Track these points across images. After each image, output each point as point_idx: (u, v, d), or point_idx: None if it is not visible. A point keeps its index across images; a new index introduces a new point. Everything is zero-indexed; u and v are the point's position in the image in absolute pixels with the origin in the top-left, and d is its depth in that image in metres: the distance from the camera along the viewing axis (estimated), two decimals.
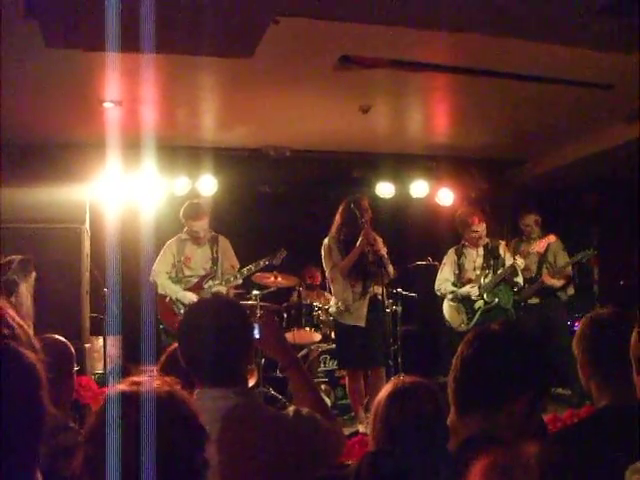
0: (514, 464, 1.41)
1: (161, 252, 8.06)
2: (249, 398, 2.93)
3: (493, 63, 6.72)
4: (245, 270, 8.12)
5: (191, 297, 7.80)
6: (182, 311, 7.76)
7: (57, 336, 3.80)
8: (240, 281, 8.25)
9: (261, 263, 8.21)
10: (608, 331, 2.95)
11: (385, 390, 3.08)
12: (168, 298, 7.93)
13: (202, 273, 8.07)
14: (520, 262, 8.06)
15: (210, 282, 7.98)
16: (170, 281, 7.98)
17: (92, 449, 1.80)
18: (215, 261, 8.14)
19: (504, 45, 6.14)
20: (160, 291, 7.96)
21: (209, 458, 1.89)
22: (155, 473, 1.74)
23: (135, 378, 1.93)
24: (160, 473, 1.75)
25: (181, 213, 8.04)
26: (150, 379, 1.93)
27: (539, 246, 8.52)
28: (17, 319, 1.54)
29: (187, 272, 8.06)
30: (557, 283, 8.77)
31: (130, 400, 1.82)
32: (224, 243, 8.23)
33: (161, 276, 7.99)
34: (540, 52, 6.30)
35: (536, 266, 8.88)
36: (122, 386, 1.89)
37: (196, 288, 7.95)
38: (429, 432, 2.77)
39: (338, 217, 7.55)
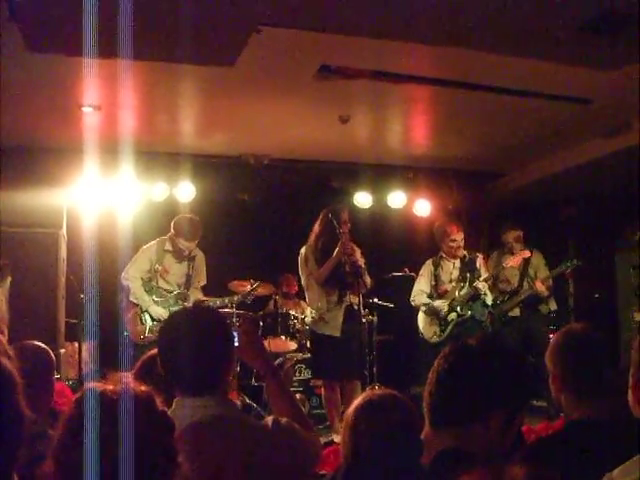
0: None
1: (137, 255, 7.92)
2: (229, 408, 2.92)
3: (473, 76, 6.76)
4: (212, 301, 8.02)
5: (162, 312, 7.71)
6: (148, 323, 7.73)
7: (37, 343, 3.78)
8: (198, 297, 8.10)
9: (227, 300, 8.12)
10: (580, 346, 3.00)
11: (356, 401, 3.09)
12: (137, 307, 7.86)
13: (175, 288, 7.95)
14: (482, 285, 8.07)
15: (180, 302, 7.86)
16: (143, 289, 7.89)
17: (62, 449, 1.79)
18: (189, 278, 8.05)
19: (484, 59, 6.18)
20: (132, 298, 7.84)
21: (185, 467, 1.89)
22: (130, 472, 1.74)
23: (109, 379, 1.92)
24: (134, 472, 1.74)
25: (174, 226, 7.91)
26: (123, 380, 1.92)
27: (513, 261, 8.58)
28: None
29: (162, 284, 7.93)
30: (545, 292, 8.81)
31: (101, 398, 1.81)
32: (200, 259, 8.13)
33: (135, 282, 7.85)
34: (520, 66, 6.35)
35: (517, 279, 8.92)
36: (93, 385, 1.88)
37: (168, 305, 7.88)
38: (399, 444, 2.77)
39: (316, 227, 7.54)
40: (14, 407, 1.54)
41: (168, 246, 7.96)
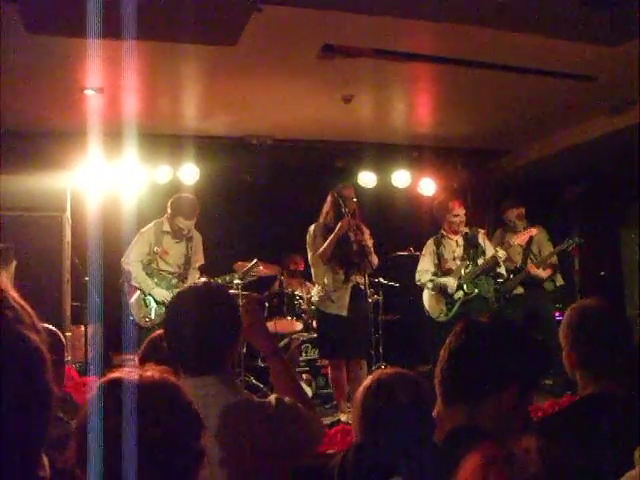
0: (510, 459, 1.41)
1: (135, 239, 7.90)
2: (233, 387, 2.92)
3: (476, 54, 6.72)
4: (212, 280, 8.02)
5: (165, 295, 7.72)
6: (152, 306, 7.73)
7: (47, 325, 3.77)
8: (204, 278, 8.11)
9: (229, 278, 8.14)
10: (596, 320, 2.97)
11: (366, 381, 3.08)
12: (139, 292, 7.87)
13: (175, 269, 7.96)
14: (501, 253, 8.06)
15: (180, 284, 7.86)
16: (144, 273, 7.87)
17: (84, 437, 1.79)
18: (188, 259, 8.05)
19: (488, 36, 6.15)
20: (133, 283, 7.83)
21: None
22: (151, 461, 1.73)
23: (127, 367, 1.91)
24: (155, 462, 1.74)
25: (171, 206, 7.91)
26: (143, 368, 1.91)
27: (521, 239, 8.54)
28: (20, 300, 1.52)
29: (162, 265, 7.93)
30: (542, 274, 8.79)
31: (122, 388, 1.80)
32: (197, 238, 8.14)
33: (136, 266, 7.83)
34: (524, 43, 6.31)
35: (520, 257, 8.91)
36: (113, 375, 1.88)
37: (170, 285, 7.88)
38: (411, 423, 2.78)
39: (325, 206, 7.61)
40: (43, 383, 1.53)
41: (166, 227, 7.96)
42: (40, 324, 1.58)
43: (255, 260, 8.24)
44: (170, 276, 7.91)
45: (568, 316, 3.07)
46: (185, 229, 7.90)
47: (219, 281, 8.01)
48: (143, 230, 7.93)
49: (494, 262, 8.03)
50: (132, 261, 7.84)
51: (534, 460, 1.38)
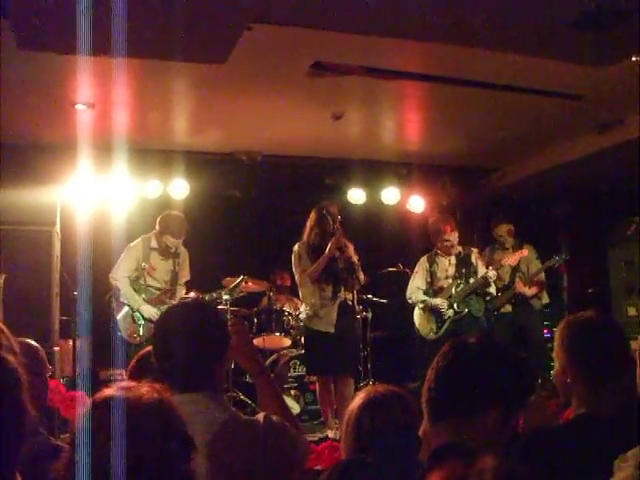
0: (469, 475, 1.42)
1: (123, 255, 7.89)
2: (220, 403, 2.93)
3: (466, 72, 6.77)
4: (206, 296, 8.05)
5: (153, 312, 7.68)
6: (141, 322, 7.72)
7: (28, 340, 3.77)
8: (192, 294, 8.16)
9: (216, 294, 8.17)
10: (595, 334, 2.91)
11: (358, 399, 3.08)
12: (127, 308, 7.83)
13: (162, 285, 7.97)
14: (492, 274, 8.07)
15: (168, 300, 7.86)
16: (131, 289, 7.85)
17: (77, 453, 1.79)
18: (175, 275, 8.05)
19: (477, 55, 6.20)
20: (122, 299, 7.83)
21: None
22: None
23: (123, 384, 1.92)
24: None
25: (160, 223, 7.92)
26: (138, 385, 1.92)
27: (512, 259, 8.56)
28: None
29: (149, 281, 7.92)
30: (529, 292, 8.81)
31: (118, 405, 1.80)
32: (184, 255, 8.13)
33: (124, 282, 7.83)
34: (512, 62, 6.37)
35: (509, 275, 8.92)
36: (109, 391, 1.88)
37: (158, 302, 7.85)
38: (401, 442, 2.79)
39: (308, 223, 7.56)
40: (18, 404, 1.54)
41: (154, 243, 7.96)
42: (16, 343, 1.60)
43: (243, 276, 8.25)
44: (157, 292, 7.90)
45: (566, 330, 2.99)
46: (173, 247, 7.91)
47: (207, 297, 8.02)
48: (131, 245, 7.92)
49: (485, 282, 8.06)
50: (120, 277, 7.83)
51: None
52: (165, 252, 7.94)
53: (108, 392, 1.87)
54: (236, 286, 8.19)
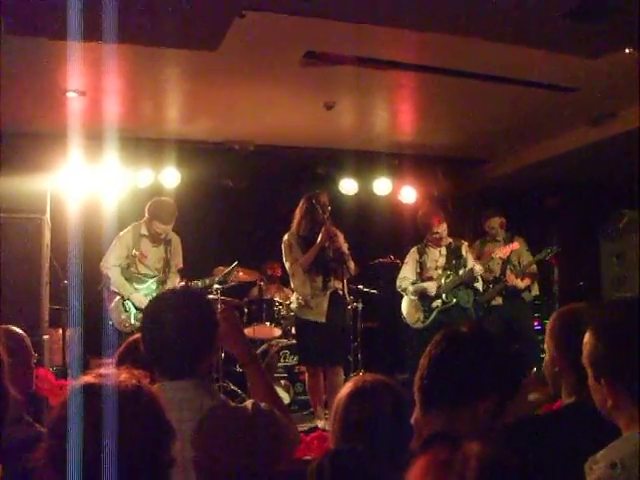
0: (453, 461, 1.42)
1: (114, 242, 7.84)
2: (208, 391, 2.93)
3: (459, 63, 6.76)
4: (193, 283, 8.03)
5: (144, 300, 7.61)
6: (132, 311, 7.70)
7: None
8: (182, 283, 8.04)
9: (209, 281, 8.13)
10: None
11: (346, 388, 3.06)
12: (119, 297, 7.83)
13: (154, 273, 7.91)
14: (478, 268, 8.06)
15: (160, 287, 7.82)
16: (123, 277, 7.82)
17: (56, 440, 1.78)
18: (167, 262, 7.98)
19: (470, 45, 6.19)
20: (112, 287, 7.80)
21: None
22: (119, 468, 1.72)
23: (101, 370, 1.90)
24: (124, 468, 1.73)
25: (149, 210, 7.84)
26: (117, 372, 1.90)
27: (502, 252, 8.54)
28: None
29: (141, 269, 7.87)
30: (520, 284, 8.80)
31: (96, 393, 1.79)
32: (176, 242, 8.06)
33: (115, 270, 7.78)
34: (505, 53, 6.36)
35: (500, 267, 8.91)
36: (88, 378, 1.86)
37: (149, 291, 7.82)
38: (390, 430, 2.78)
39: (298, 213, 7.53)
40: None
41: (144, 230, 7.90)
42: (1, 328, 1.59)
43: (235, 263, 8.23)
44: (149, 280, 7.87)
45: (556, 321, 3.00)
46: (163, 233, 7.85)
47: (199, 284, 7.99)
48: (121, 234, 7.87)
49: (471, 276, 8.05)
50: (111, 265, 7.79)
51: (472, 466, 1.40)
52: (155, 239, 7.90)
53: (86, 379, 1.86)
54: (229, 273, 8.16)
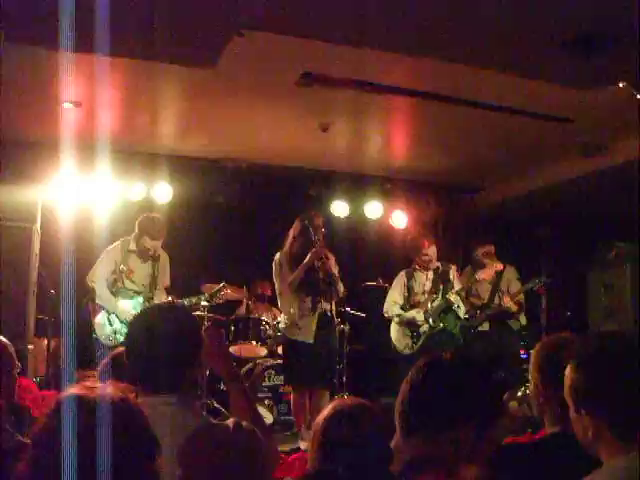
0: None
1: (101, 257, 7.81)
2: (189, 407, 2.92)
3: (454, 90, 6.80)
4: (185, 301, 7.99)
5: (129, 314, 7.61)
6: (116, 325, 7.68)
7: None
8: (170, 298, 7.93)
9: (195, 299, 8.11)
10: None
11: (326, 410, 3.07)
12: (104, 310, 7.78)
13: (141, 289, 7.88)
14: (454, 298, 8.08)
15: (146, 304, 7.79)
16: (108, 291, 7.80)
17: (40, 452, 1.77)
18: (154, 279, 7.96)
19: (466, 73, 6.23)
20: (97, 300, 7.76)
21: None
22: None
23: (88, 383, 1.90)
24: None
25: (139, 225, 7.82)
26: (103, 385, 1.90)
27: (486, 273, 8.56)
28: None
29: (127, 284, 7.84)
30: (514, 307, 8.82)
31: (82, 405, 1.79)
32: (164, 259, 8.04)
33: (100, 285, 7.77)
34: (502, 82, 6.40)
35: (489, 293, 8.93)
36: (74, 390, 1.86)
37: (135, 306, 7.78)
38: (369, 453, 2.77)
39: (291, 233, 7.53)
40: None
41: (132, 246, 7.88)
42: None
43: (223, 283, 8.22)
44: (135, 296, 7.85)
45: (541, 350, 3.03)
46: (151, 249, 7.84)
47: (185, 302, 7.97)
48: (109, 248, 7.83)
49: (448, 304, 8.07)
50: (97, 279, 7.77)
51: None
52: (144, 255, 7.88)
53: (72, 391, 1.85)
54: (216, 293, 8.14)
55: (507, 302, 8.76)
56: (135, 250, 7.86)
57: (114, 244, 7.86)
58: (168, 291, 8.07)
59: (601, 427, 2.18)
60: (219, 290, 8.15)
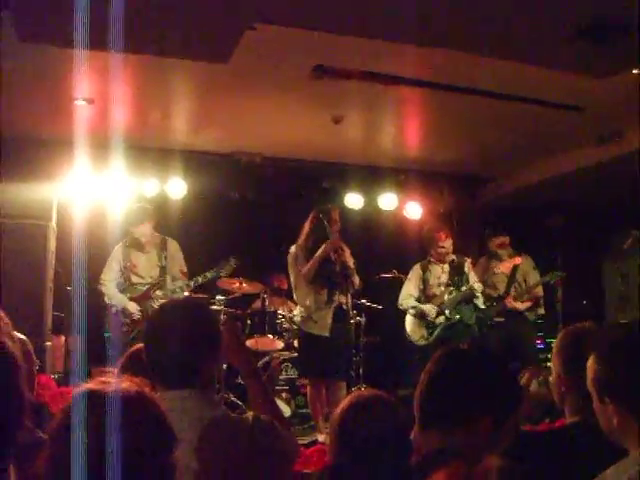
0: (474, 475, 1.42)
1: (108, 260, 7.96)
2: (208, 401, 2.93)
3: (466, 80, 6.78)
4: (192, 282, 8.00)
5: (136, 309, 7.74)
6: (126, 321, 7.73)
7: (15, 333, 3.74)
8: (186, 294, 8.01)
9: (208, 275, 8.12)
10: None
11: (344, 402, 3.08)
12: (115, 309, 7.84)
13: (149, 281, 7.96)
14: (477, 286, 8.08)
15: (158, 292, 7.86)
16: (117, 290, 7.88)
17: (58, 447, 1.78)
18: (163, 268, 8.02)
19: (479, 63, 6.20)
20: (107, 301, 7.86)
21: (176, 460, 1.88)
22: (122, 474, 1.72)
23: (103, 378, 1.91)
24: (126, 474, 1.73)
25: (125, 220, 7.96)
26: (119, 379, 1.91)
27: (504, 267, 8.56)
28: None
29: (134, 279, 7.94)
30: (520, 306, 8.75)
31: (98, 399, 1.79)
32: (173, 247, 8.11)
33: (108, 285, 7.88)
34: (513, 71, 6.37)
35: (505, 285, 8.89)
36: (90, 385, 1.87)
37: (143, 297, 7.85)
38: (387, 445, 2.78)
39: (307, 226, 7.55)
40: (17, 389, 1.53)
41: (128, 242, 8.01)
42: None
43: (223, 262, 8.18)
44: (143, 288, 7.89)
45: (563, 339, 3.02)
46: (141, 237, 7.91)
47: (199, 280, 7.99)
48: (113, 251, 7.98)
49: (471, 294, 8.06)
50: (106, 281, 7.89)
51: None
52: (138, 245, 7.96)
53: (88, 386, 1.86)
54: (223, 266, 8.09)
55: (510, 304, 8.70)
56: (131, 244, 7.94)
57: (116, 246, 7.95)
58: (186, 276, 8.06)
59: (626, 417, 2.17)
60: (227, 264, 8.11)
